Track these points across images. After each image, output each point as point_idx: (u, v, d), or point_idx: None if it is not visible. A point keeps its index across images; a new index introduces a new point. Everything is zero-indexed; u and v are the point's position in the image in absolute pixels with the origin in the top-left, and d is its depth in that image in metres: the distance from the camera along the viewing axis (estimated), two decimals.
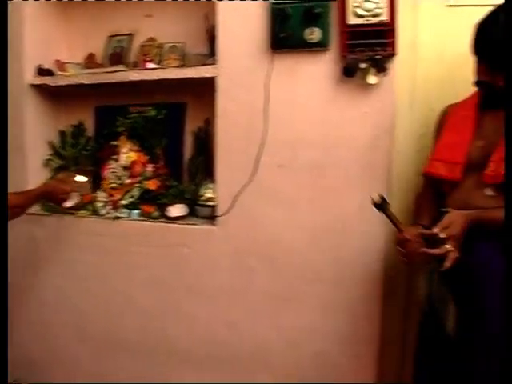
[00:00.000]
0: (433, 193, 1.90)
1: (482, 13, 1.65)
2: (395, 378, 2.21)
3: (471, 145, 1.74)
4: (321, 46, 2.02)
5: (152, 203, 2.35)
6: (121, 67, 2.37)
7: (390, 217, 1.75)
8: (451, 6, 2.08)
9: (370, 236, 2.05)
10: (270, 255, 2.17)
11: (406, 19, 2.02)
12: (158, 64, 2.36)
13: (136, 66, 2.42)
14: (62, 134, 2.64)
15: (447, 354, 1.74)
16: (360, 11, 1.96)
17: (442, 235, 1.60)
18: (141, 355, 2.43)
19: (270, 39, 2.06)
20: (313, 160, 2.09)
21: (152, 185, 2.36)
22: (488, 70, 1.65)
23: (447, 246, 1.59)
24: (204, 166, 2.36)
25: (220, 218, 2.20)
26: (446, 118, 1.88)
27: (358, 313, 2.13)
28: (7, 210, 1.83)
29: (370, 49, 1.95)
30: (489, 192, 1.67)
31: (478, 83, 1.71)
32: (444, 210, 1.72)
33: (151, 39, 2.50)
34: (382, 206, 1.76)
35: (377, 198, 1.76)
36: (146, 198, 2.37)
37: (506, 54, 1.58)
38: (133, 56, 2.53)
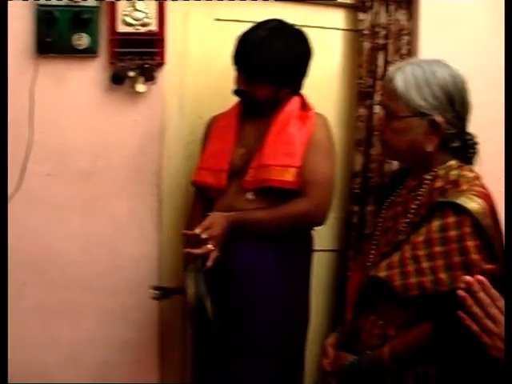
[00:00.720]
0: (202, 201, 1.97)
1: (245, 27, 1.78)
2: (178, 379, 2.25)
3: (233, 153, 1.84)
4: (89, 53, 1.99)
5: None
6: None
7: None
8: (218, 20, 2.19)
9: (142, 241, 2.07)
10: (42, 267, 2.07)
11: (176, 30, 2.08)
12: None
13: None
14: None
15: (213, 354, 1.81)
16: (129, 20, 1.98)
17: (204, 236, 1.67)
18: None
19: (36, 43, 1.97)
20: (82, 167, 2.05)
21: None
22: (246, 80, 1.77)
23: (208, 246, 1.67)
24: None
25: None
26: (211, 128, 1.96)
27: (136, 319, 2.14)
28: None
29: (138, 57, 1.98)
30: (250, 196, 1.79)
31: (236, 92, 1.83)
32: (208, 214, 1.80)
33: None
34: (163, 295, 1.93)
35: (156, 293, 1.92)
36: None
37: (261, 66, 1.72)
38: None
